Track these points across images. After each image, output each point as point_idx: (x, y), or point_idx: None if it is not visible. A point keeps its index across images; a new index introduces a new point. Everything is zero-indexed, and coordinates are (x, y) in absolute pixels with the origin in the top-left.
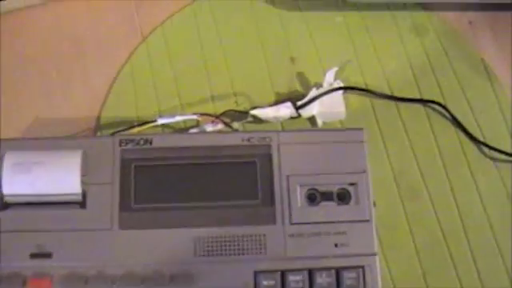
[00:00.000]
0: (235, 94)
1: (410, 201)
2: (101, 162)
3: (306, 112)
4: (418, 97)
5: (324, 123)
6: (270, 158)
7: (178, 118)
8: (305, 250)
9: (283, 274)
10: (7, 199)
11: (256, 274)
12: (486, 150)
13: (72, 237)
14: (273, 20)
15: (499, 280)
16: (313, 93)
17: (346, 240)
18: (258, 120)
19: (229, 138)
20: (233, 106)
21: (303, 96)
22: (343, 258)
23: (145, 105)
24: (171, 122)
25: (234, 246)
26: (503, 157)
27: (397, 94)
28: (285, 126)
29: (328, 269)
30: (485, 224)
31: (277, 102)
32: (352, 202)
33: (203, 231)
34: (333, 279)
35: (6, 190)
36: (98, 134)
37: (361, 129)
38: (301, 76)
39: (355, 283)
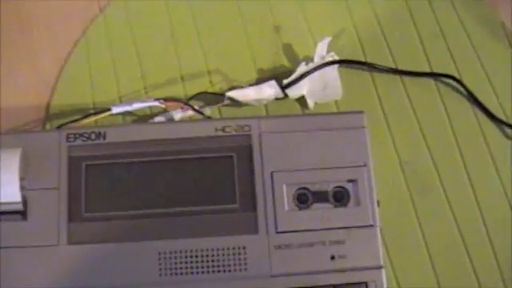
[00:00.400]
0: (209, 73)
1: (421, 196)
2: (44, 161)
3: (293, 92)
4: (427, 70)
5: (316, 104)
6: (250, 150)
7: (137, 106)
8: (294, 265)
9: None
10: None
11: None
12: (508, 130)
13: (10, 255)
14: None
15: None
16: (302, 68)
17: (345, 251)
18: (236, 103)
19: (199, 128)
20: (206, 87)
21: (290, 72)
22: (342, 274)
23: (102, 89)
24: (129, 111)
25: (208, 262)
26: None
27: (402, 67)
28: (269, 109)
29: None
30: (510, 221)
31: (259, 81)
32: (351, 203)
33: (169, 244)
34: None
35: None
36: (48, 126)
37: (361, 112)
38: (287, 48)
39: None
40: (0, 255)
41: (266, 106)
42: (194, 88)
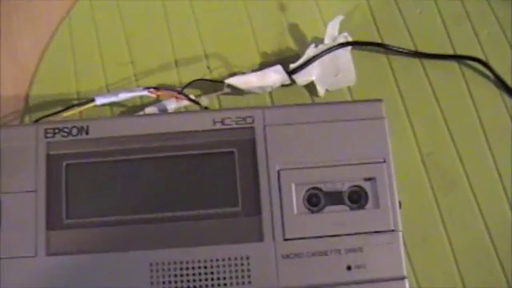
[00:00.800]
0: (207, 57)
1: (445, 193)
2: (20, 160)
3: (302, 78)
4: (450, 52)
5: (327, 92)
6: (253, 145)
7: (123, 96)
8: (304, 277)
9: None
10: None
11: None
12: None
13: None
14: None
15: None
16: (310, 51)
17: (363, 260)
18: (237, 91)
19: (196, 121)
20: (203, 74)
21: (298, 56)
22: (359, 286)
23: (87, 77)
24: (115, 102)
25: (206, 274)
26: None
27: (422, 49)
28: (275, 97)
29: None
30: None
31: (262, 66)
32: (369, 204)
33: (162, 254)
34: None
35: None
36: (27, 118)
37: (379, 100)
38: (294, 29)
39: None
40: None
41: (270, 94)
42: (189, 75)
